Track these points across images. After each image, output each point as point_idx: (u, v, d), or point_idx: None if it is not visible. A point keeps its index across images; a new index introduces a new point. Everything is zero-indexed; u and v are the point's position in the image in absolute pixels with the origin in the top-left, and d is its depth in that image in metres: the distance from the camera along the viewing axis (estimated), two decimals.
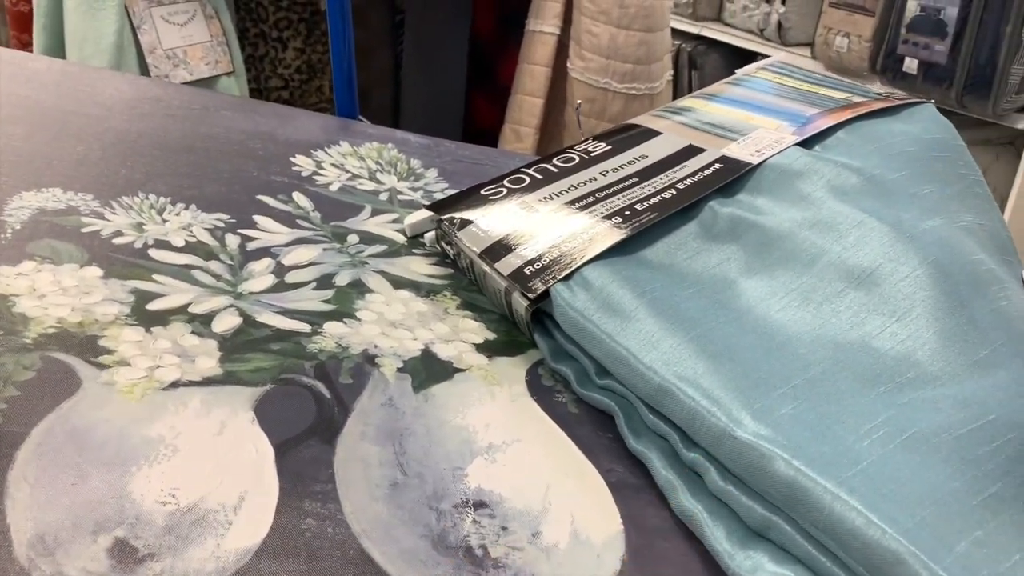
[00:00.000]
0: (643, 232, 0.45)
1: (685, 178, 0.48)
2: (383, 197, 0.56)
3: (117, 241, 0.43)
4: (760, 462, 0.32)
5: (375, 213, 0.53)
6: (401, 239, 0.51)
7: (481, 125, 1.25)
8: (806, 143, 0.49)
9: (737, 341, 0.38)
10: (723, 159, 0.49)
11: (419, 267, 0.49)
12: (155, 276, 0.41)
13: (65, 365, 0.35)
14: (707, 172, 0.48)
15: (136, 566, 0.28)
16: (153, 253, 0.43)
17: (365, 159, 0.60)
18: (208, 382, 0.36)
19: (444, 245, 0.50)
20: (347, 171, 0.57)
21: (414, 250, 0.51)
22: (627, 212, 0.45)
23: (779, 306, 0.40)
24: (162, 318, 0.39)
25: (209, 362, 0.37)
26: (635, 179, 0.48)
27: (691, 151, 0.50)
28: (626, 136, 0.53)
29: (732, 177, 0.47)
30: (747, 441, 0.33)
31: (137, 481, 0.30)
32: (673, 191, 0.47)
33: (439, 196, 0.57)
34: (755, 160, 0.48)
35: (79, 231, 0.43)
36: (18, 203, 0.44)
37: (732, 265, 0.43)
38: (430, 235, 0.51)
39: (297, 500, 0.32)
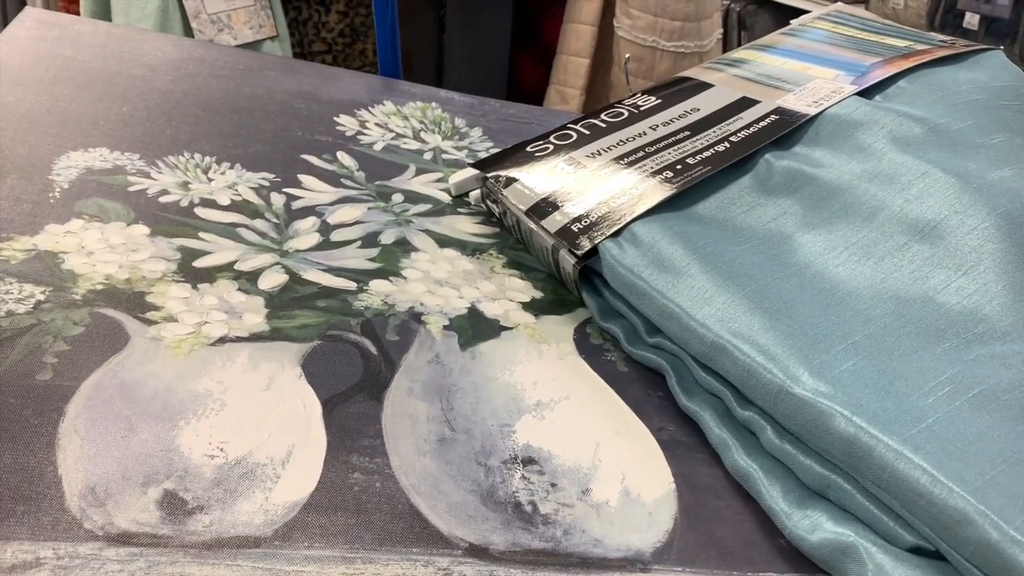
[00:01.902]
0: (695, 187, 0.43)
1: (739, 131, 0.46)
2: (427, 156, 0.55)
3: (163, 199, 0.43)
4: (819, 419, 0.31)
5: (419, 172, 0.53)
6: (446, 198, 0.51)
7: (525, 87, 1.23)
8: (866, 93, 0.47)
9: (794, 297, 0.37)
10: (778, 111, 0.47)
11: (464, 226, 0.48)
12: (201, 234, 0.41)
13: (113, 321, 0.35)
14: (762, 124, 0.46)
15: (185, 518, 0.28)
16: (199, 211, 0.43)
17: (409, 118, 0.59)
18: (255, 338, 0.36)
19: (489, 203, 0.49)
20: (391, 130, 0.57)
21: (459, 209, 0.50)
22: (678, 166, 0.44)
23: (838, 261, 0.39)
24: (209, 275, 0.39)
25: (256, 318, 0.37)
26: (687, 133, 0.47)
27: (745, 103, 0.48)
28: (677, 89, 0.52)
29: (788, 129, 0.45)
30: (805, 398, 0.32)
31: (185, 435, 0.30)
32: (726, 144, 0.45)
33: (484, 155, 0.56)
34: (812, 111, 0.46)
35: (126, 190, 0.43)
36: (66, 163, 0.44)
37: (788, 219, 0.42)
38: (475, 193, 0.51)
39: (345, 454, 0.31)
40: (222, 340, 0.35)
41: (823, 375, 0.33)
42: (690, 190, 0.43)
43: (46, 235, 0.38)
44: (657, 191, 0.42)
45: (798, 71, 0.50)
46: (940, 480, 0.28)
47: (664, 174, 0.44)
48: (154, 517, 0.27)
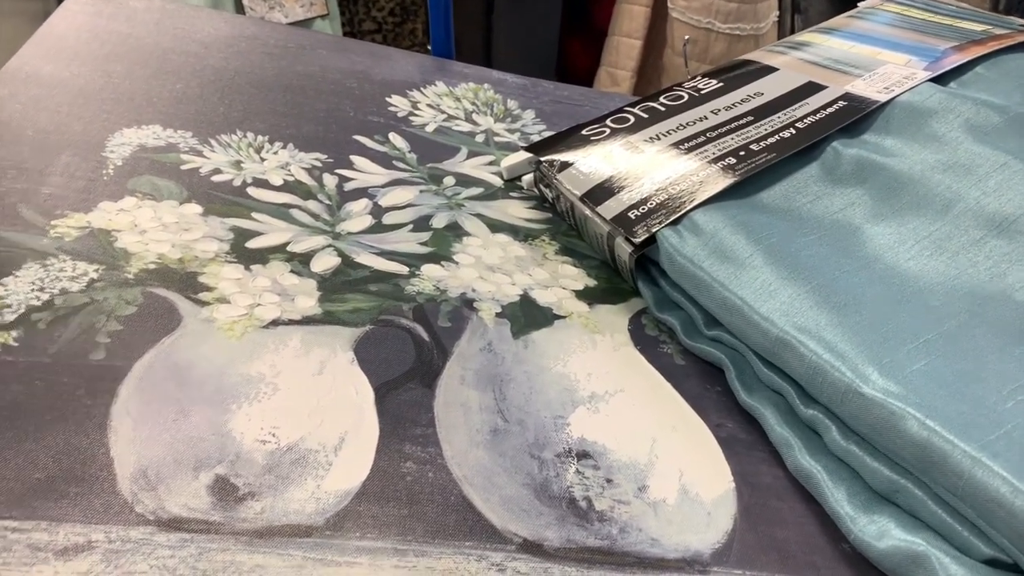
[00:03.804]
0: (759, 174, 0.42)
1: (805, 116, 0.44)
2: (479, 139, 0.54)
3: (216, 179, 0.43)
4: (890, 421, 0.30)
5: (471, 155, 0.52)
6: (498, 182, 0.50)
7: (575, 68, 1.21)
8: (940, 79, 0.45)
9: (863, 291, 0.35)
10: (847, 96, 0.45)
11: (516, 211, 0.47)
12: (254, 214, 0.41)
13: (166, 301, 0.34)
14: (829, 110, 0.44)
15: (236, 504, 0.27)
16: (252, 191, 0.43)
17: (461, 100, 0.58)
18: (307, 321, 0.35)
19: (542, 188, 0.48)
20: (443, 112, 0.56)
21: (511, 193, 0.49)
22: (741, 152, 0.42)
23: (909, 255, 0.37)
24: (261, 256, 0.38)
25: (308, 301, 0.36)
26: (750, 118, 0.45)
27: (811, 88, 0.46)
28: (739, 73, 0.50)
29: (857, 116, 0.43)
30: (875, 398, 0.30)
31: (237, 419, 0.30)
32: (792, 130, 0.43)
33: (536, 138, 0.55)
34: (883, 98, 0.44)
35: (179, 168, 0.43)
36: (119, 139, 0.44)
37: (857, 210, 0.40)
38: (528, 178, 0.50)
39: (397, 443, 0.31)
40: (275, 323, 0.35)
41: (894, 375, 0.31)
42: (753, 178, 0.42)
43: (99, 213, 0.38)
44: (719, 178, 0.41)
45: (867, 56, 0.48)
46: (1021, 490, 0.27)
47: (726, 160, 0.42)
48: (205, 503, 0.27)
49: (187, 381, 0.31)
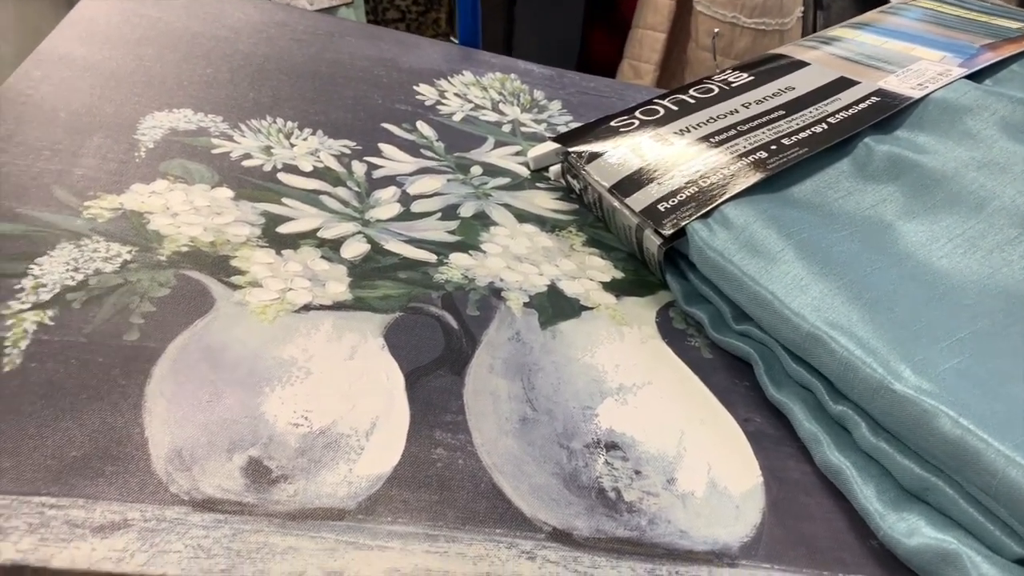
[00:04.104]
0: (789, 169, 0.42)
1: (837, 112, 0.44)
2: (506, 129, 0.54)
3: (246, 163, 0.43)
4: (922, 418, 0.30)
5: (498, 145, 0.52)
6: (524, 172, 0.50)
7: (598, 61, 1.21)
8: (975, 77, 0.45)
9: (895, 288, 0.35)
10: (880, 92, 0.45)
11: (543, 201, 0.47)
12: (284, 200, 0.41)
13: (199, 283, 0.35)
14: (862, 106, 0.44)
15: (270, 487, 0.27)
16: (282, 177, 0.43)
17: (488, 89, 0.58)
18: (338, 307, 0.35)
19: (570, 179, 0.48)
20: (470, 101, 0.56)
21: (538, 184, 0.49)
22: (772, 147, 0.42)
23: (942, 252, 0.37)
24: (292, 241, 0.38)
25: (339, 287, 0.36)
26: (781, 112, 0.45)
27: (843, 83, 0.46)
28: (770, 67, 0.50)
29: (890, 112, 0.43)
30: (907, 395, 0.30)
31: (270, 402, 0.30)
32: (824, 125, 0.43)
33: (563, 129, 0.55)
34: (917, 94, 0.44)
35: (209, 152, 0.43)
36: (151, 122, 0.44)
37: (889, 207, 0.40)
38: (555, 169, 0.49)
39: (428, 429, 0.31)
40: (306, 307, 0.35)
41: (926, 372, 0.31)
42: (784, 173, 0.41)
43: (132, 195, 0.38)
44: (750, 172, 0.41)
45: (900, 52, 0.48)
46: None
47: (757, 154, 0.42)
48: (239, 484, 0.27)
49: (220, 363, 0.31)
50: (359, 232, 0.40)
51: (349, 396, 0.31)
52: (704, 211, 0.39)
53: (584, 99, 0.60)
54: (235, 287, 0.35)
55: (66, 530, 0.25)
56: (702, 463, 0.33)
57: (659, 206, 0.41)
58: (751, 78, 0.49)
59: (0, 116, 0.41)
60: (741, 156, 0.42)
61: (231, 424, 0.29)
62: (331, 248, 0.39)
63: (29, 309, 0.31)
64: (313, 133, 0.47)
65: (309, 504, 0.27)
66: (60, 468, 0.26)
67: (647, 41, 1.09)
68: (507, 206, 0.46)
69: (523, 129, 0.54)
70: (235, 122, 0.46)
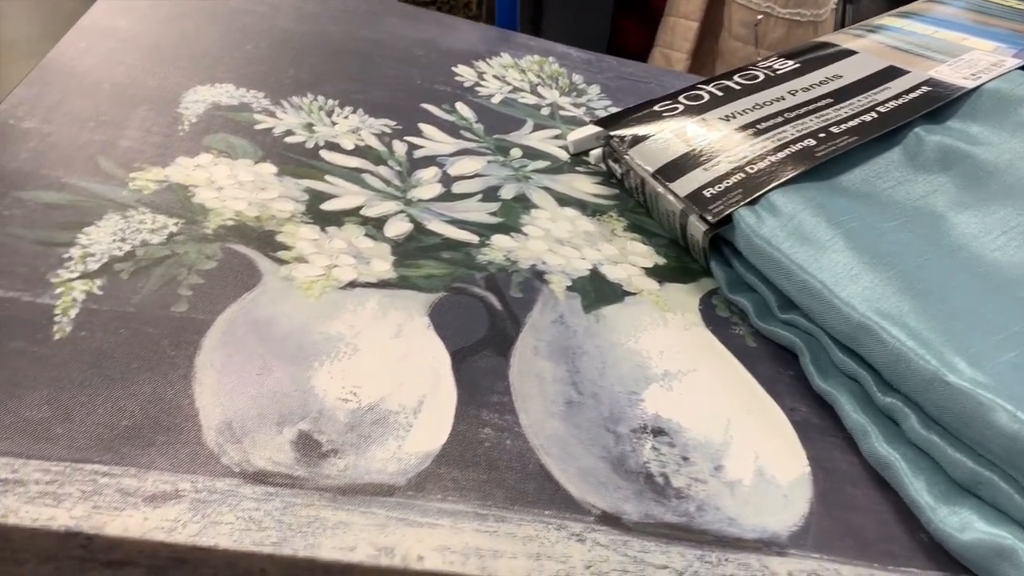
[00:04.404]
0: (838, 158, 0.41)
1: (887, 101, 0.43)
2: (545, 112, 0.53)
3: (289, 140, 0.43)
4: (978, 411, 0.29)
5: (537, 128, 0.51)
6: (564, 155, 0.49)
7: (628, 48, 1.20)
8: None
9: (947, 280, 0.35)
10: (931, 82, 0.44)
11: (583, 185, 0.47)
12: (327, 177, 0.41)
13: (245, 257, 0.34)
14: (912, 95, 0.43)
15: (320, 460, 0.27)
16: (324, 154, 0.42)
17: (526, 72, 0.57)
18: (383, 285, 0.35)
19: (611, 163, 0.47)
20: (508, 83, 0.55)
21: (578, 168, 0.49)
22: (821, 135, 0.42)
23: (995, 245, 0.36)
24: (336, 219, 0.38)
25: (383, 265, 0.36)
26: (829, 100, 0.44)
27: (892, 72, 0.46)
28: (817, 55, 0.49)
29: (942, 102, 0.43)
30: (962, 388, 0.30)
31: (319, 376, 0.30)
32: (874, 114, 0.42)
33: (602, 113, 0.55)
34: (970, 84, 0.43)
35: (252, 127, 0.43)
36: (193, 96, 0.44)
37: (940, 197, 0.39)
38: (596, 152, 0.49)
39: (475, 409, 0.31)
40: (352, 284, 0.34)
41: (981, 365, 0.31)
42: (832, 161, 0.41)
43: (177, 167, 0.38)
44: (799, 160, 0.40)
45: (951, 41, 0.47)
46: None
47: (806, 142, 0.41)
48: (289, 457, 0.27)
49: (269, 337, 0.31)
50: (402, 211, 0.40)
51: (396, 374, 0.31)
52: (751, 198, 0.39)
53: (622, 84, 0.59)
54: (281, 262, 0.35)
55: (119, 498, 0.25)
56: (749, 451, 0.32)
57: (705, 192, 0.40)
58: (797, 66, 0.48)
59: (47, 86, 0.41)
60: (789, 144, 0.41)
61: (281, 397, 0.29)
62: (374, 226, 0.38)
63: (78, 278, 0.31)
64: (354, 111, 0.47)
65: (359, 479, 0.27)
66: (112, 437, 0.26)
67: (679, 29, 1.08)
68: (547, 189, 0.45)
69: (562, 113, 0.54)
70: (276, 98, 0.46)
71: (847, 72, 0.46)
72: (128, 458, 0.26)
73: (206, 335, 0.30)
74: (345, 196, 0.40)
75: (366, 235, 0.38)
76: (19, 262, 0.31)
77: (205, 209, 0.36)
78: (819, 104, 0.44)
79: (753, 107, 0.45)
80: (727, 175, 0.41)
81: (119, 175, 0.37)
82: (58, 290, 0.31)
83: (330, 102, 0.47)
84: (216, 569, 0.25)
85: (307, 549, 0.25)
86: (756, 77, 0.48)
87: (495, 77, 0.56)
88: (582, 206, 0.45)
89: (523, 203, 0.44)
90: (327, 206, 0.39)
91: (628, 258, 0.42)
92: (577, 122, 0.53)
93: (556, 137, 0.51)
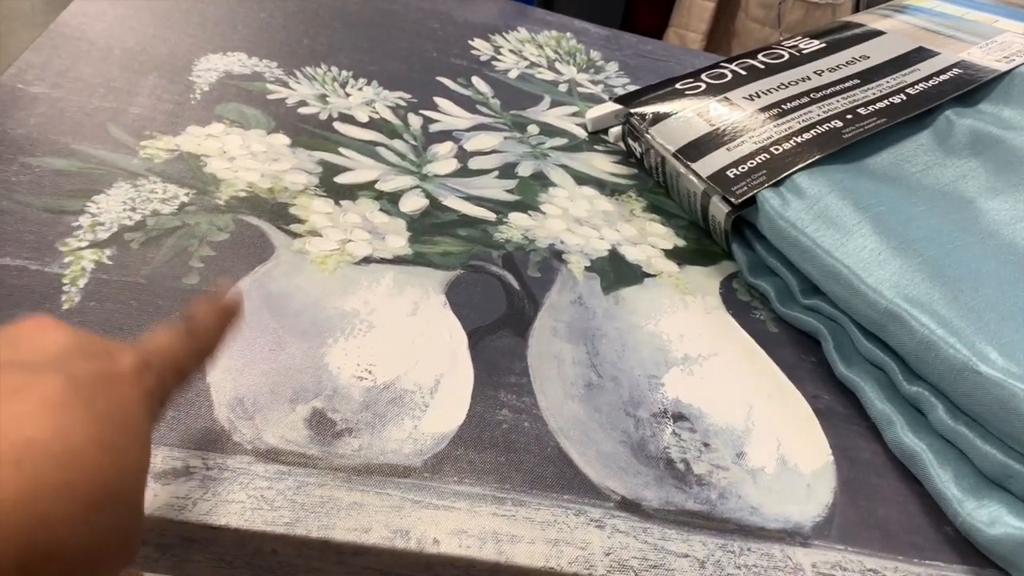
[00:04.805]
0: (864, 140, 0.40)
1: (916, 83, 0.42)
2: (562, 88, 0.52)
3: (302, 111, 0.42)
4: (1011, 403, 0.28)
5: (554, 104, 0.50)
6: (581, 133, 0.48)
7: (641, 27, 1.18)
8: None
9: (978, 267, 0.34)
10: (962, 64, 0.43)
11: (601, 164, 0.46)
12: (341, 149, 0.40)
13: (258, 230, 0.33)
14: (943, 78, 0.42)
15: (334, 439, 0.26)
16: (338, 126, 0.41)
17: (543, 47, 0.56)
18: (399, 261, 0.34)
19: (630, 142, 0.46)
20: (525, 58, 0.54)
21: (596, 146, 0.47)
22: (848, 116, 0.41)
23: None
24: (351, 192, 0.37)
25: (399, 241, 0.35)
26: (856, 81, 0.43)
27: (922, 54, 0.44)
28: (843, 35, 0.48)
29: (974, 85, 0.41)
30: (994, 378, 0.29)
31: (334, 353, 0.29)
32: (902, 96, 0.41)
33: (620, 91, 0.54)
34: (1003, 67, 0.42)
35: (265, 97, 0.42)
36: (205, 65, 0.43)
37: (970, 183, 0.38)
38: (615, 130, 0.48)
39: (492, 390, 0.30)
40: (367, 260, 0.34)
41: (1013, 355, 0.30)
42: (859, 143, 0.40)
43: (188, 136, 0.37)
44: (825, 141, 0.39)
45: (983, 23, 0.46)
46: None
47: (832, 123, 0.40)
48: (302, 436, 0.26)
49: (282, 312, 0.30)
50: (417, 186, 0.39)
51: (412, 352, 0.30)
52: (776, 179, 0.38)
53: (641, 62, 0.58)
54: (295, 235, 0.34)
55: None
56: (771, 438, 0.31)
57: (728, 172, 0.39)
58: (822, 45, 0.47)
59: (56, 51, 0.40)
60: (815, 125, 0.40)
61: (294, 374, 0.28)
62: (389, 201, 0.38)
63: (87, 247, 0.30)
64: (368, 83, 0.46)
65: (374, 460, 0.26)
66: None
67: (695, 10, 1.06)
68: (565, 167, 0.44)
69: (580, 89, 0.53)
70: (290, 68, 0.45)
71: (875, 53, 0.45)
72: None
73: None
74: (360, 169, 0.39)
75: (381, 210, 0.37)
76: (27, 230, 0.30)
77: (217, 179, 0.35)
78: (846, 85, 0.43)
79: (778, 87, 0.44)
80: (751, 155, 0.40)
81: (129, 143, 0.36)
82: (67, 259, 0.30)
83: (344, 73, 0.46)
84: (226, 548, 0.24)
85: (320, 530, 0.24)
86: (781, 56, 0.46)
87: (512, 52, 0.54)
88: (600, 185, 0.44)
89: (541, 181, 0.43)
90: (341, 179, 0.38)
91: (647, 239, 0.41)
92: (595, 99, 0.52)
93: (574, 114, 0.50)
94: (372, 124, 0.42)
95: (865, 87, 0.42)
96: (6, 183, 0.32)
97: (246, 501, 0.24)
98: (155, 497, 0.24)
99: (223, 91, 0.41)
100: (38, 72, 0.38)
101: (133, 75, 0.40)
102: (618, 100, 0.47)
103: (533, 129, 0.47)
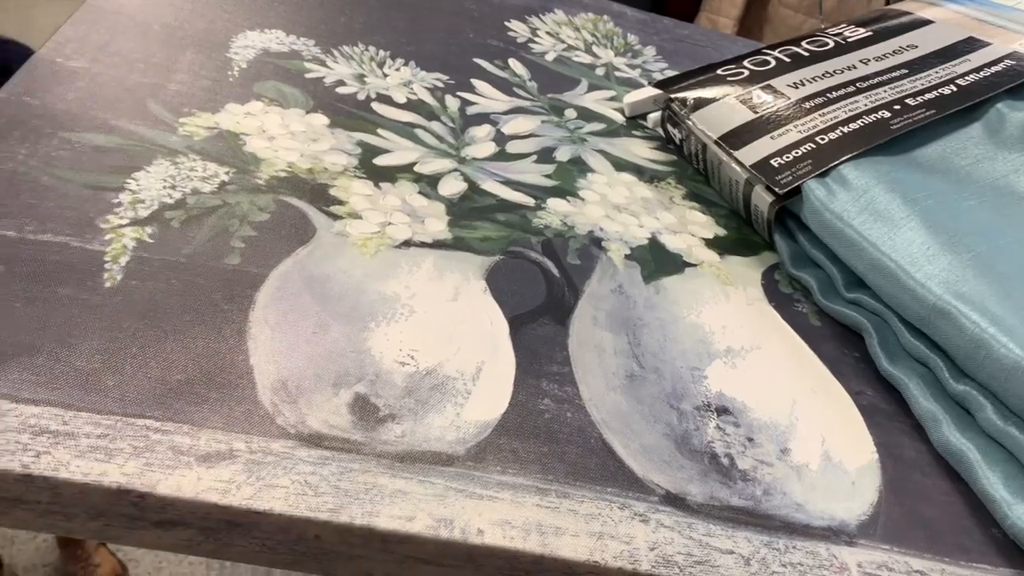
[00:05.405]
0: (913, 132, 0.39)
1: (967, 74, 0.41)
2: (599, 72, 0.51)
3: (340, 91, 0.41)
4: None
5: (592, 88, 0.49)
6: (619, 118, 0.48)
7: (671, 13, 1.16)
8: None
9: None
10: (1015, 55, 0.42)
11: (640, 150, 0.45)
12: (379, 131, 0.39)
13: (298, 210, 0.33)
14: (995, 69, 0.41)
15: (377, 425, 0.26)
16: (376, 107, 0.41)
17: (580, 30, 0.55)
18: (439, 245, 0.34)
19: (669, 128, 0.45)
20: (562, 41, 0.53)
21: (634, 131, 0.47)
22: (896, 107, 0.40)
23: None
24: (390, 174, 0.37)
25: (439, 225, 0.35)
26: (903, 71, 0.42)
27: (972, 44, 0.43)
28: (890, 23, 0.47)
29: None
30: None
31: (376, 338, 0.29)
32: (952, 87, 0.40)
33: (658, 76, 0.53)
34: None
35: (303, 76, 0.41)
36: (243, 41, 0.42)
37: (1023, 177, 0.37)
38: (653, 116, 0.47)
39: (534, 379, 0.29)
40: (407, 243, 0.33)
41: None
42: (907, 135, 0.39)
43: (227, 114, 0.37)
44: (873, 132, 0.38)
45: None
46: None
47: (880, 113, 0.39)
48: (346, 421, 0.26)
49: (324, 295, 0.30)
50: (456, 169, 0.39)
51: (453, 338, 0.30)
52: (822, 170, 0.37)
53: (679, 47, 0.57)
54: (335, 217, 0.33)
55: (171, 456, 0.24)
56: (816, 434, 0.31)
57: (772, 161, 0.38)
58: (869, 34, 0.46)
59: (95, 25, 0.40)
60: (861, 115, 0.40)
61: (337, 358, 0.28)
62: (428, 184, 0.37)
63: (128, 224, 0.30)
64: (405, 63, 0.45)
65: (417, 447, 0.26)
66: (164, 391, 0.25)
67: None
68: (603, 153, 0.44)
69: (617, 74, 0.52)
70: (327, 47, 0.44)
71: (923, 42, 0.44)
72: (181, 414, 0.25)
73: (260, 290, 0.29)
74: (398, 151, 0.38)
75: (420, 192, 0.36)
76: (68, 206, 0.30)
77: (257, 159, 0.35)
78: (893, 75, 0.42)
79: (823, 75, 0.43)
80: (796, 144, 0.39)
81: (168, 119, 0.36)
82: (108, 236, 0.29)
83: (381, 53, 0.45)
84: (268, 533, 0.24)
85: (364, 517, 0.24)
86: (825, 44, 0.45)
87: (549, 34, 0.54)
88: (639, 171, 0.43)
89: (579, 166, 0.42)
90: (380, 161, 0.37)
91: (687, 227, 0.40)
92: (633, 84, 0.51)
93: (611, 99, 0.49)
94: (410, 105, 0.42)
95: (913, 77, 0.42)
96: (47, 158, 0.32)
97: (290, 486, 0.24)
98: (199, 480, 0.23)
99: (261, 68, 0.41)
100: (76, 46, 0.38)
101: (171, 51, 0.40)
102: (657, 85, 0.46)
103: (570, 113, 0.46)
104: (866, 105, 0.40)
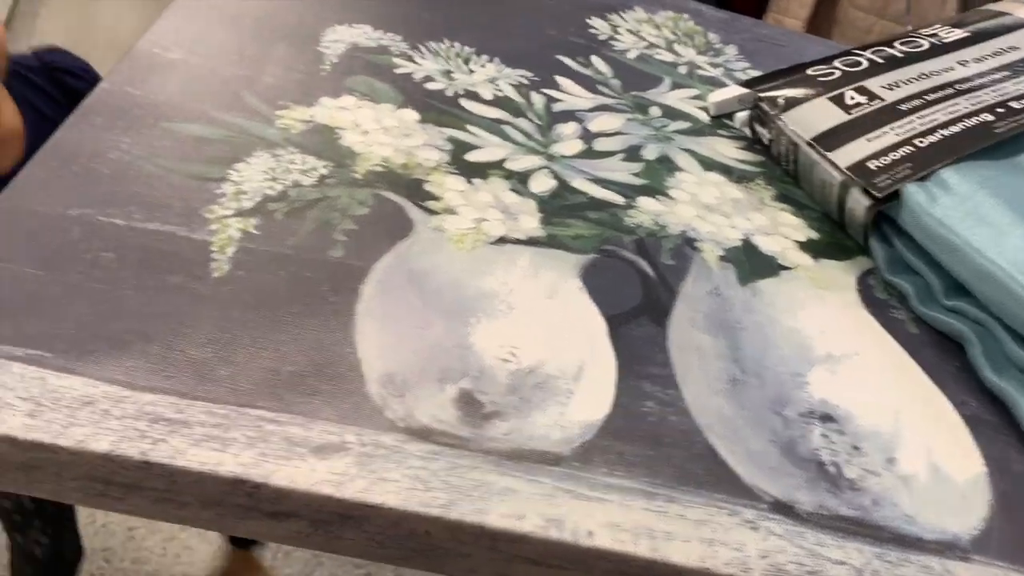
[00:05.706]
0: (1014, 137, 0.38)
1: None
2: (682, 70, 0.51)
3: (429, 86, 0.41)
4: None
5: (675, 87, 0.49)
6: (704, 117, 0.47)
7: (738, 11, 1.15)
8: None
9: None
10: None
11: (726, 149, 0.45)
12: (469, 127, 0.39)
13: (396, 205, 0.33)
14: None
15: (483, 422, 0.26)
16: (464, 103, 0.41)
17: (661, 28, 0.55)
18: (532, 242, 0.34)
19: (758, 128, 0.45)
20: (643, 39, 0.53)
21: (719, 131, 0.46)
22: (999, 110, 0.38)
23: None
24: (481, 170, 0.37)
25: (531, 222, 0.35)
26: (1005, 73, 0.41)
27: None
28: (988, 24, 0.45)
29: None
30: None
31: (477, 333, 0.29)
32: None
33: (741, 76, 0.52)
34: None
35: (392, 71, 0.41)
36: (332, 36, 0.42)
37: None
38: (740, 115, 0.46)
39: (635, 380, 0.29)
40: (502, 240, 0.33)
41: None
42: (1008, 139, 0.38)
43: (321, 108, 0.37)
44: (975, 135, 0.37)
45: None
46: None
47: (982, 116, 0.38)
48: (452, 416, 0.26)
49: (426, 289, 0.30)
50: (545, 167, 0.38)
51: (553, 336, 0.29)
52: (922, 173, 0.36)
53: (760, 46, 0.56)
54: (431, 212, 0.33)
55: (285, 447, 0.24)
56: (921, 445, 0.30)
57: (869, 164, 0.38)
58: (966, 35, 0.45)
59: (189, 18, 0.40)
60: (962, 118, 0.38)
61: (441, 353, 0.27)
62: (519, 181, 0.37)
63: (232, 215, 0.30)
64: (490, 60, 0.45)
65: (524, 445, 0.26)
66: (276, 382, 0.25)
67: None
68: (691, 152, 0.43)
69: (699, 72, 0.51)
70: (414, 43, 0.44)
71: (1023, 44, 0.43)
72: (293, 405, 0.25)
73: (364, 283, 0.29)
74: (488, 147, 0.38)
75: (511, 189, 0.36)
76: (173, 195, 0.31)
77: (353, 153, 0.35)
78: (994, 77, 0.41)
79: (919, 76, 0.42)
80: (893, 147, 0.38)
81: (264, 112, 0.36)
82: (213, 226, 0.30)
83: (466, 49, 0.45)
84: (380, 527, 0.24)
85: (475, 514, 0.24)
86: (920, 45, 0.44)
87: (630, 32, 0.53)
88: (727, 171, 0.43)
89: (666, 165, 0.41)
90: (471, 157, 0.37)
91: (779, 229, 0.39)
92: (715, 83, 0.50)
93: (695, 97, 0.48)
94: (496, 102, 0.42)
95: (1016, 79, 0.40)
96: (151, 147, 0.32)
97: (401, 480, 0.24)
98: (313, 472, 0.23)
99: (351, 63, 0.41)
100: (173, 38, 0.39)
101: (263, 44, 0.40)
102: (744, 84, 0.46)
103: (655, 111, 0.46)
104: (967, 108, 0.39)
